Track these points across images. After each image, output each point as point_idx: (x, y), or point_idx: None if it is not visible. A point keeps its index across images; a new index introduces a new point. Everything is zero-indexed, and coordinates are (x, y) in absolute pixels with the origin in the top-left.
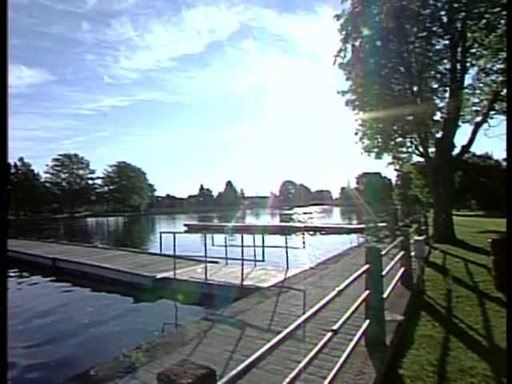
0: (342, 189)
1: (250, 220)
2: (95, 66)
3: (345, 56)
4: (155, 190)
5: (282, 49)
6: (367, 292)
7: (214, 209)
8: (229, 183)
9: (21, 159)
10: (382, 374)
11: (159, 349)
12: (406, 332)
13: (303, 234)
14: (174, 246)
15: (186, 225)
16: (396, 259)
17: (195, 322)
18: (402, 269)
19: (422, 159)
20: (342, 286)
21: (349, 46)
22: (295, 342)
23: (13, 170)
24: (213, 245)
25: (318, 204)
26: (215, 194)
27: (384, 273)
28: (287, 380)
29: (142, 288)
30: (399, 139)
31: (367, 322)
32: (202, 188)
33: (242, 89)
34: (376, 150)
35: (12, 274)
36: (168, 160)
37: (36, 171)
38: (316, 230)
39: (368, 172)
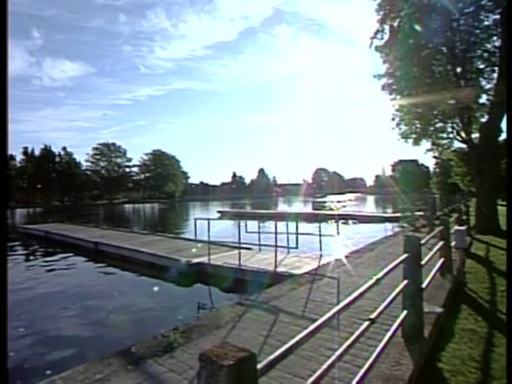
0: (377, 176)
1: (282, 207)
2: (132, 56)
3: (382, 38)
4: (189, 177)
5: (316, 33)
6: (405, 282)
7: (246, 196)
8: (261, 171)
9: (64, 148)
10: (419, 366)
11: (195, 331)
12: (445, 325)
13: (337, 222)
14: (209, 232)
15: (219, 211)
16: (435, 249)
17: (230, 306)
18: (441, 260)
19: (464, 145)
20: (380, 275)
21: (386, 27)
22: (329, 330)
23: (57, 159)
24: (246, 231)
25: (351, 192)
26: (248, 181)
27: (422, 263)
28: (324, 367)
29: (177, 272)
30: (439, 124)
31: (404, 312)
32: (234, 175)
33: (274, 75)
34: (414, 136)
35: (60, 256)
36: (201, 148)
37: (78, 160)
38: (349, 218)
39: (404, 159)
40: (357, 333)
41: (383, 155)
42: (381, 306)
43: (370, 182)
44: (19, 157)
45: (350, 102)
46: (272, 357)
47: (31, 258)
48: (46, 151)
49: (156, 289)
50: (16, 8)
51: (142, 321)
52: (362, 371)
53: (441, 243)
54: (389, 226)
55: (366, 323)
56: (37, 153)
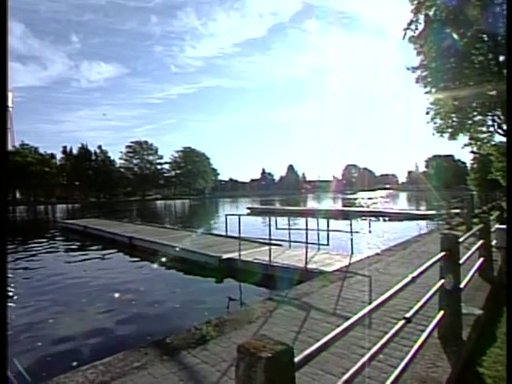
0: (409, 173)
1: (311, 204)
2: (163, 56)
3: (416, 28)
4: (219, 174)
5: (346, 26)
6: (442, 281)
7: (275, 192)
8: (290, 167)
9: (99, 147)
10: (458, 369)
11: (227, 324)
12: (485, 328)
13: (369, 219)
14: (239, 227)
15: (248, 208)
16: (474, 249)
17: (260, 301)
18: (481, 259)
19: (505, 139)
20: (415, 273)
21: (421, 17)
22: (360, 328)
23: (93, 158)
24: (276, 228)
25: (382, 188)
26: (277, 177)
27: (460, 262)
28: (358, 364)
29: (208, 267)
30: (478, 117)
31: (441, 312)
32: (263, 172)
33: (304, 71)
34: (450, 130)
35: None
36: (231, 145)
37: (112, 158)
38: (380, 215)
39: (439, 154)
40: (391, 332)
41: (417, 151)
42: (416, 305)
43: (402, 178)
44: (59, 155)
45: (382, 96)
46: (308, 351)
47: (80, 251)
48: (83, 150)
49: (189, 283)
50: (57, 15)
51: (185, 311)
52: (396, 371)
53: (481, 242)
54: (422, 223)
55: (401, 322)
56: (75, 151)
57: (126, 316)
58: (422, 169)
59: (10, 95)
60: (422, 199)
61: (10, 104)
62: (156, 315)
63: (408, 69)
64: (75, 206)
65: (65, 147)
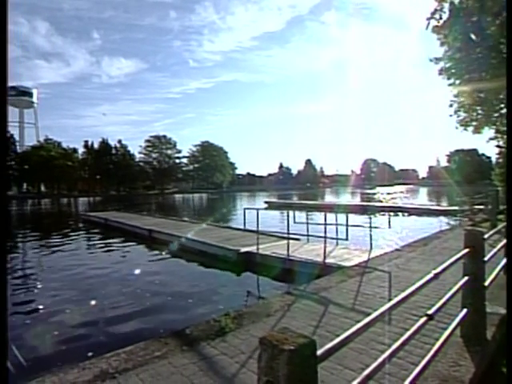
0: (430, 167)
1: (329, 199)
2: (181, 51)
3: (440, 18)
4: (236, 168)
5: (366, 18)
6: (466, 278)
7: (293, 187)
8: (308, 161)
9: (119, 141)
10: (482, 369)
11: (246, 317)
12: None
13: (389, 214)
14: (258, 221)
15: (266, 202)
16: (499, 246)
17: (279, 295)
18: (507, 257)
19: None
20: (438, 270)
21: (446, 5)
22: (380, 323)
23: (113, 152)
24: (294, 222)
25: (402, 184)
26: (294, 172)
27: (485, 259)
28: (379, 360)
29: (226, 260)
30: (505, 110)
31: (464, 311)
32: (281, 166)
33: (322, 64)
34: (475, 123)
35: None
36: (249, 139)
37: (132, 152)
38: (400, 210)
39: (462, 149)
40: (413, 328)
41: (438, 145)
42: (438, 302)
43: (423, 173)
44: (81, 150)
45: (402, 89)
46: (330, 345)
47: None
48: (104, 144)
49: (208, 276)
50: (79, 13)
51: (204, 302)
52: (417, 369)
53: (506, 240)
54: (444, 219)
55: (423, 319)
56: (96, 146)
57: (148, 306)
58: (444, 163)
59: (35, 92)
60: (444, 195)
61: (35, 100)
62: (177, 306)
63: (431, 60)
64: (96, 199)
65: (86, 142)
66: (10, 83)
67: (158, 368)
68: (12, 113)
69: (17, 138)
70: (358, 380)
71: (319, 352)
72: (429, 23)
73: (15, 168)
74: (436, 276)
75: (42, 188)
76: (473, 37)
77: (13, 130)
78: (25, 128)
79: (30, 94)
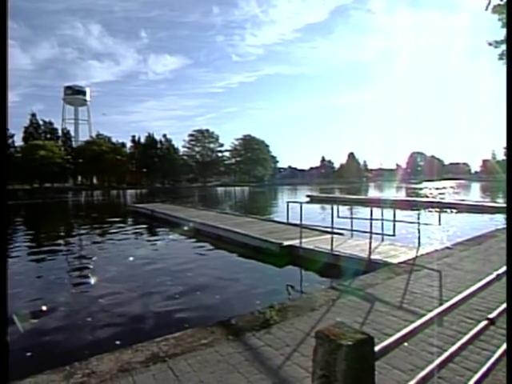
0: (484, 161)
1: (373, 193)
2: (224, 46)
3: None
4: (278, 161)
5: (414, 3)
6: None
7: (335, 181)
8: (351, 155)
9: (164, 136)
10: None
11: (290, 310)
12: None
13: (439, 210)
14: (301, 215)
15: (308, 196)
16: None
17: (323, 290)
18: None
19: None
20: (501, 270)
21: None
22: (431, 325)
23: (159, 146)
24: (338, 216)
25: (452, 178)
26: (337, 165)
27: None
28: (437, 362)
29: (269, 253)
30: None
31: None
32: (323, 160)
33: (367, 54)
34: None
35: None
36: (290, 132)
37: (176, 146)
38: (449, 206)
39: None
40: (471, 332)
41: (494, 137)
42: (500, 306)
43: (475, 167)
44: (129, 144)
45: (453, 77)
46: (387, 342)
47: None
48: (150, 138)
49: (252, 268)
50: (128, 14)
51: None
52: (476, 376)
53: None
54: (499, 217)
55: (483, 323)
56: (142, 140)
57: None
58: (501, 157)
59: (88, 91)
60: (500, 191)
61: (88, 98)
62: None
63: (490, 44)
64: (142, 191)
65: (134, 136)
66: (67, 83)
67: (206, 355)
68: (68, 111)
69: (72, 133)
70: (413, 382)
71: (377, 348)
72: (489, 2)
73: (71, 162)
74: (499, 277)
75: (94, 180)
76: None
77: (69, 126)
78: (79, 124)
79: (84, 93)
